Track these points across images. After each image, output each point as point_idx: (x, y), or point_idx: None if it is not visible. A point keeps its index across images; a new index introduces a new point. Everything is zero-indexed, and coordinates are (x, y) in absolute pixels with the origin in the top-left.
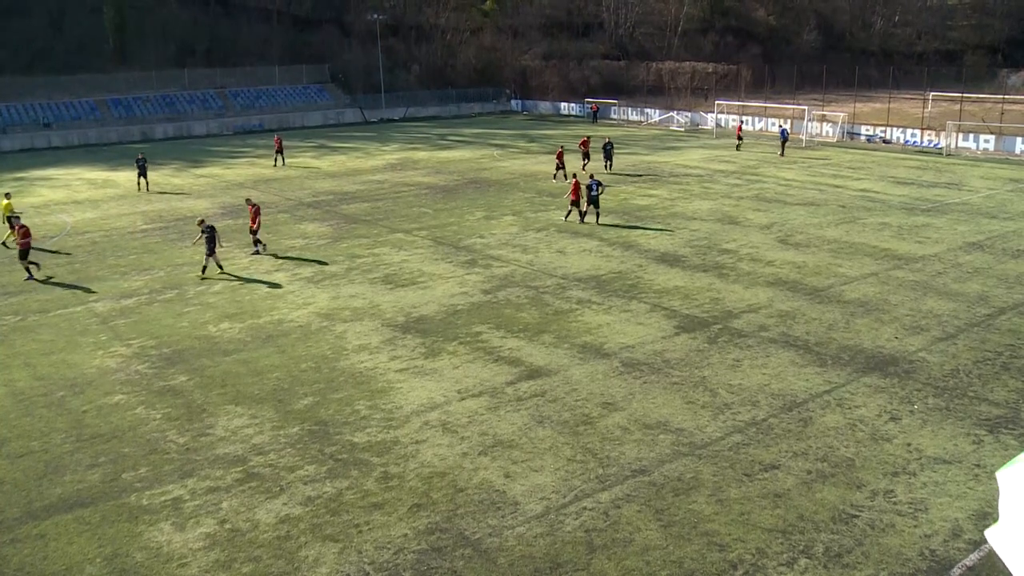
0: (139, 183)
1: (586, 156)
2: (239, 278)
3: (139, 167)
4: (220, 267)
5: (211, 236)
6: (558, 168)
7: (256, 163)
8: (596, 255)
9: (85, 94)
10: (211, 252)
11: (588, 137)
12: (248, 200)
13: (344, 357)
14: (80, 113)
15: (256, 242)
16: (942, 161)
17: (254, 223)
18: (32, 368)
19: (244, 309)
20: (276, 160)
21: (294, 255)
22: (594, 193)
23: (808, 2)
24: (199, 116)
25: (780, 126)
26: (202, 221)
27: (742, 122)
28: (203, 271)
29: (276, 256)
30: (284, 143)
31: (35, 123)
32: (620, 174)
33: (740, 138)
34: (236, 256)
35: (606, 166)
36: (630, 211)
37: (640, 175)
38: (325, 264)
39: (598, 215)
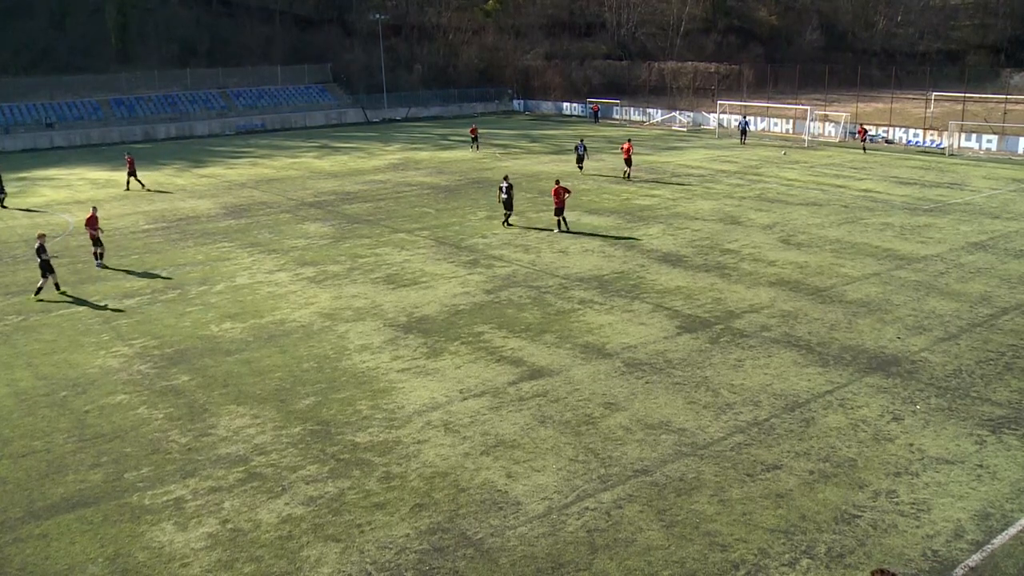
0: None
1: (628, 162)
2: (76, 299)
3: None
4: (56, 287)
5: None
6: (473, 140)
7: (258, 163)
8: (598, 255)
9: (87, 94)
10: (48, 273)
11: (629, 140)
12: (94, 208)
13: (346, 357)
14: (83, 113)
15: (99, 255)
16: (944, 161)
17: (94, 229)
18: (35, 368)
19: (246, 309)
20: (128, 183)
21: (134, 268)
22: (504, 196)
23: (810, 2)
24: (201, 116)
25: (742, 118)
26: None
27: (863, 127)
28: (38, 291)
29: (107, 267)
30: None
31: (38, 123)
32: (593, 174)
33: (866, 140)
34: (238, 255)
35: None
36: (632, 211)
37: (642, 175)
38: (170, 278)
39: (508, 217)
